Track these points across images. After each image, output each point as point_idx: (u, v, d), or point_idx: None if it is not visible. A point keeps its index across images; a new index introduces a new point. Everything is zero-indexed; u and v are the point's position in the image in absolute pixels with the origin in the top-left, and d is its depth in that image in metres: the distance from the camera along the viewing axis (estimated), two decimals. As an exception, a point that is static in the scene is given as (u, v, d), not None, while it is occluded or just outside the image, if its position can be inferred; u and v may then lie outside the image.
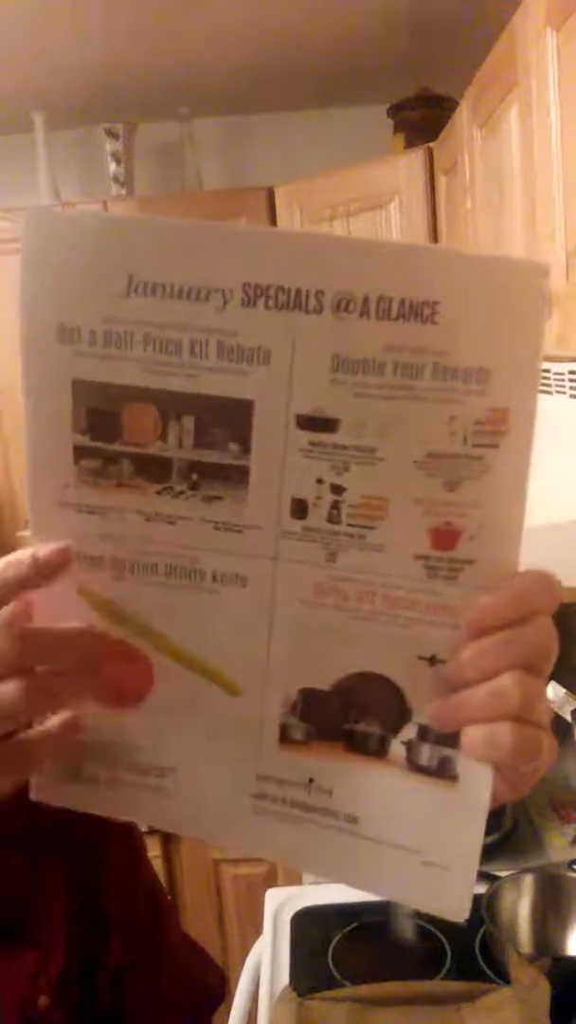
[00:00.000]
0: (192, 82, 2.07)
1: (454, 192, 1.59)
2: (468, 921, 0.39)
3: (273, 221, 1.98)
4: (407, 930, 1.35)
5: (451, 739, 0.39)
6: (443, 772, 0.39)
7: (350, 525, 0.37)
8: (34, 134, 2.14)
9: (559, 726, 1.64)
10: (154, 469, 0.37)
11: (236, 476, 0.37)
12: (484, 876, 1.37)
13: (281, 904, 1.39)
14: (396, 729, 0.40)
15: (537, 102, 1.02)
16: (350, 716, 0.40)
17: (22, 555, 0.38)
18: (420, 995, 1.11)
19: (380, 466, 0.36)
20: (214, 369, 0.35)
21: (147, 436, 0.36)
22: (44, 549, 0.38)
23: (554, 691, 1.56)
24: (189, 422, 0.36)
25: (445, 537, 0.37)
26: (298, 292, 0.34)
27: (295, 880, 1.50)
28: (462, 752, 0.38)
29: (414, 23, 1.79)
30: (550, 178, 0.99)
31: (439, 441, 0.35)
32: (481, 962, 1.21)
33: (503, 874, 1.32)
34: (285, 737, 0.41)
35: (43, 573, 0.38)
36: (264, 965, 1.27)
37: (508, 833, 1.51)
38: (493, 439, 0.35)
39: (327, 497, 0.37)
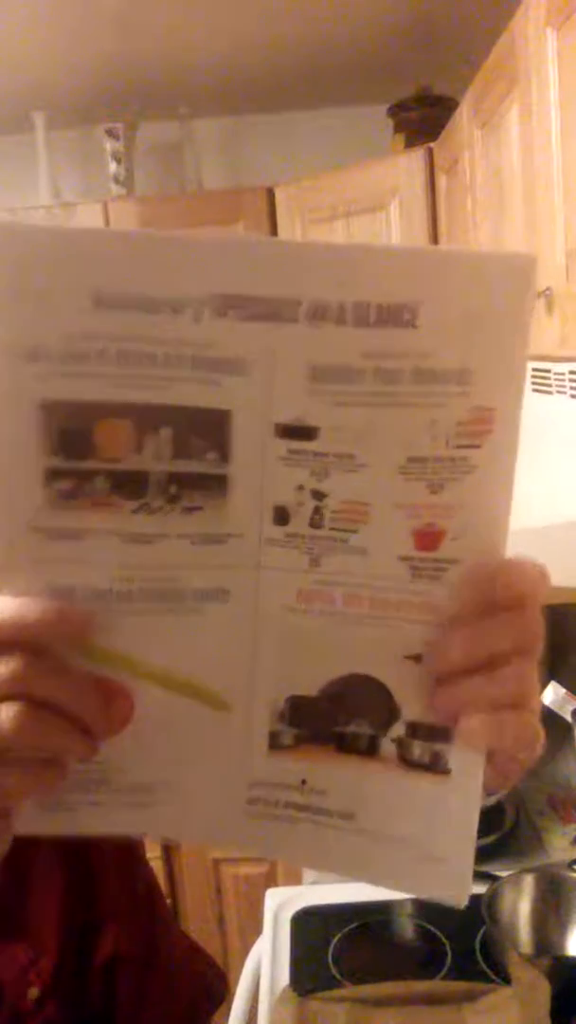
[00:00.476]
0: (192, 82, 2.07)
1: (454, 192, 1.59)
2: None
3: (273, 221, 1.98)
4: (407, 930, 1.35)
5: (442, 734, 0.39)
6: (435, 766, 0.40)
7: (332, 529, 0.37)
8: (34, 134, 2.14)
9: (559, 726, 1.64)
10: (131, 485, 0.36)
11: (216, 485, 0.36)
12: (484, 876, 1.36)
13: (281, 904, 1.39)
14: (385, 728, 0.40)
15: (537, 102, 1.02)
16: (339, 719, 0.40)
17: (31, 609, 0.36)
18: (420, 995, 1.11)
19: (361, 472, 0.36)
20: (190, 380, 0.34)
21: (122, 451, 0.35)
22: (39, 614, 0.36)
23: (554, 691, 1.56)
24: (166, 433, 0.35)
25: (429, 538, 0.37)
26: (273, 302, 0.33)
27: (295, 880, 1.50)
28: (454, 745, 0.39)
29: (414, 23, 1.79)
30: (550, 178, 0.99)
31: (420, 445, 0.35)
32: (481, 962, 1.20)
33: (503, 874, 1.31)
34: (275, 744, 0.40)
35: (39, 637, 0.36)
36: (264, 965, 1.27)
37: (508, 833, 1.51)
38: (476, 439, 0.35)
39: (308, 503, 0.36)
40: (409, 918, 1.35)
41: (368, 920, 1.34)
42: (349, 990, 1.14)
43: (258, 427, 0.35)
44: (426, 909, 1.35)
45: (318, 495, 0.36)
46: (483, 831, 0.40)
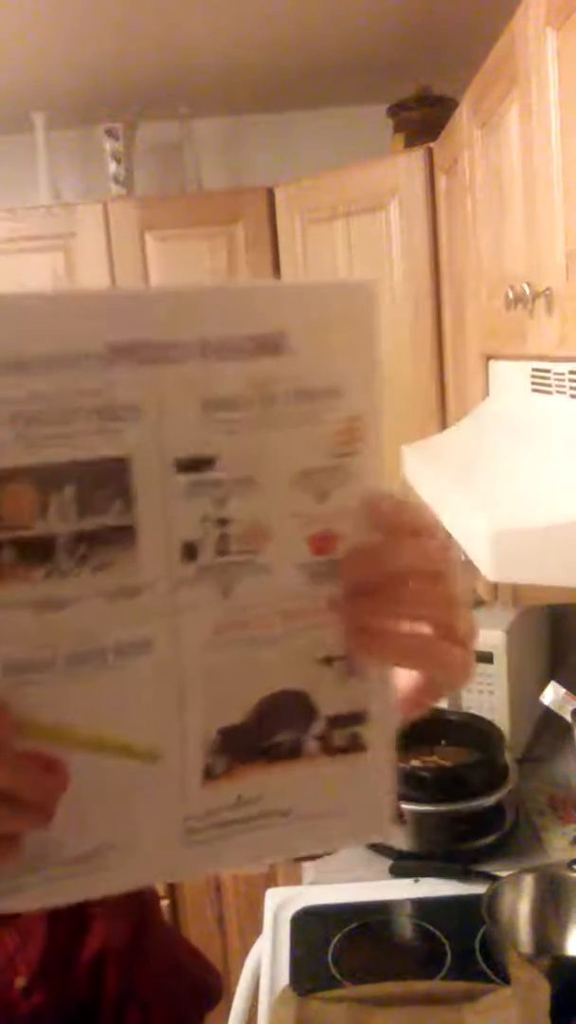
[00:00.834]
0: (192, 82, 2.07)
1: (454, 192, 1.59)
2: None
3: (273, 221, 1.98)
4: (407, 930, 1.35)
5: (356, 718, 0.42)
6: (354, 747, 0.43)
7: (238, 553, 0.38)
8: (34, 134, 2.14)
9: (559, 726, 1.64)
10: (38, 551, 0.35)
11: (124, 536, 0.36)
12: (484, 876, 1.37)
13: (281, 904, 1.39)
14: (307, 730, 0.42)
15: (537, 102, 1.02)
16: (265, 735, 0.42)
17: None
18: (420, 995, 1.11)
19: (258, 493, 0.38)
20: (86, 433, 0.34)
21: (26, 517, 0.34)
22: None
23: (554, 691, 1.56)
24: (69, 492, 0.35)
25: (324, 543, 0.40)
26: (160, 345, 0.34)
27: (295, 880, 1.50)
28: (367, 723, 0.43)
29: (414, 23, 1.79)
30: (550, 178, 0.99)
31: (307, 459, 0.38)
32: (481, 962, 1.21)
33: (503, 874, 1.32)
34: (209, 775, 0.41)
35: None
36: (264, 965, 1.27)
37: (508, 833, 1.51)
38: (351, 447, 0.39)
39: (213, 532, 0.38)
40: (409, 918, 1.35)
41: (368, 920, 1.34)
42: (349, 990, 1.15)
43: (158, 467, 0.36)
44: (426, 909, 1.36)
45: (222, 522, 0.37)
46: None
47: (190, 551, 0.37)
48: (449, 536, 0.43)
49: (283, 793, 0.43)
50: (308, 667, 0.41)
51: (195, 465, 0.36)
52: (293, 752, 0.42)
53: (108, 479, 0.35)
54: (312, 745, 0.43)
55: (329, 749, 0.43)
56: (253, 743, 0.42)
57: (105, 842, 0.41)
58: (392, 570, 0.40)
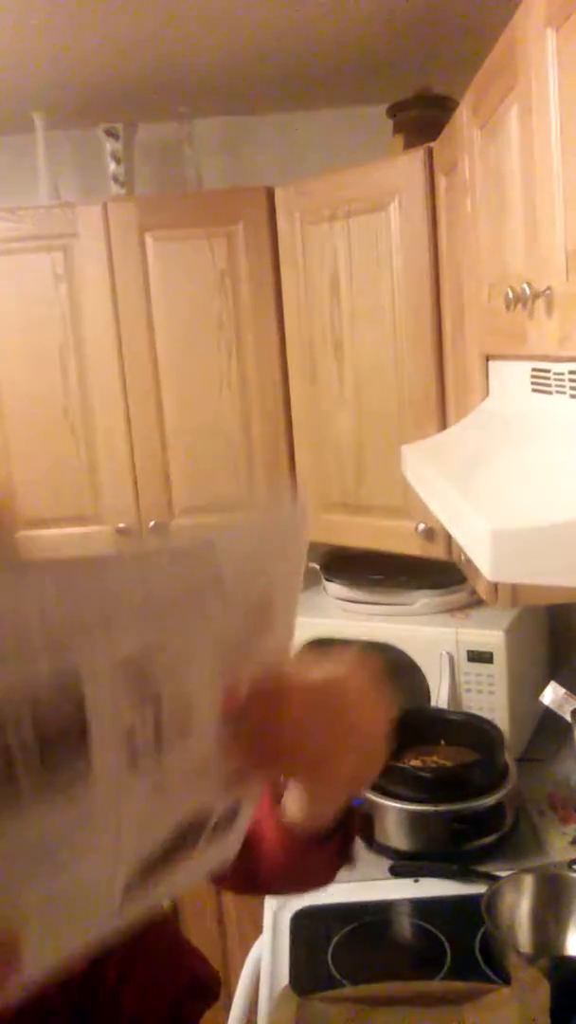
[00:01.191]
0: (192, 82, 2.07)
1: (454, 192, 1.59)
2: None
3: (273, 221, 1.98)
4: (407, 930, 1.35)
5: (236, 808, 0.53)
6: (229, 825, 0.53)
7: (170, 728, 0.42)
8: (34, 134, 2.14)
9: (559, 726, 1.64)
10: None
11: (76, 739, 0.38)
12: (484, 876, 1.37)
13: (281, 904, 1.39)
14: (203, 831, 0.50)
15: (537, 102, 1.02)
16: (172, 849, 0.49)
17: None
18: (420, 995, 1.11)
19: (186, 670, 0.43)
20: (41, 657, 0.36)
21: None
22: None
23: (554, 691, 1.56)
24: (25, 709, 0.36)
25: (233, 692, 0.47)
26: (107, 604, 0.38)
27: (295, 880, 1.50)
28: (242, 808, 0.53)
29: (414, 23, 1.79)
30: (550, 178, 0.99)
31: (225, 634, 0.45)
32: (481, 962, 1.21)
33: (503, 874, 1.32)
34: (128, 890, 0.46)
35: None
36: (264, 965, 1.27)
37: (508, 833, 1.51)
38: (263, 625, 0.46)
39: (150, 715, 0.41)
40: (409, 918, 1.35)
41: (368, 920, 1.34)
42: (349, 990, 1.15)
43: (105, 671, 0.38)
44: (426, 909, 1.36)
45: (156, 704, 0.41)
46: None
47: (131, 736, 0.41)
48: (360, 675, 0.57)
49: (177, 874, 0.51)
50: (213, 795, 0.50)
51: (134, 664, 0.40)
52: (189, 848, 0.50)
53: (62, 694, 0.37)
54: (203, 838, 0.51)
55: (214, 834, 0.52)
56: (163, 857, 0.48)
57: (38, 945, 0.44)
58: (273, 716, 0.49)
